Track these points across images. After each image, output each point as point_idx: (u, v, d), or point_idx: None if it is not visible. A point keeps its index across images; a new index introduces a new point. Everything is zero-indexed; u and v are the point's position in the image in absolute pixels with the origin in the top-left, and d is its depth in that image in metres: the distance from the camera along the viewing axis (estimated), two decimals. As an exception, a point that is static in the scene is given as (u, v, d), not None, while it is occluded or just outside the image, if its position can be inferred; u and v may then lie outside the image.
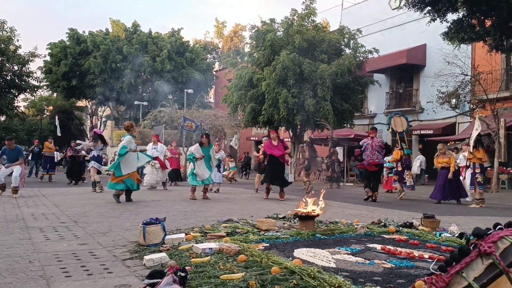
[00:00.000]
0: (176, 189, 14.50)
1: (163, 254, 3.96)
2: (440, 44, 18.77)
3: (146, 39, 37.86)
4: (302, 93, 20.72)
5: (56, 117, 29.07)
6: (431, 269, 1.98)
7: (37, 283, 3.28)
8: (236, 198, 11.32)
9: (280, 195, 11.23)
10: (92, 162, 12.86)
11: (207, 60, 44.14)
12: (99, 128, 44.39)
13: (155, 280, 2.77)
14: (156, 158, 13.76)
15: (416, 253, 4.35)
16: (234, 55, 46.04)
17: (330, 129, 18.52)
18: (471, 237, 2.04)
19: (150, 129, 31.55)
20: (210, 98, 46.57)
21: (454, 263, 1.90)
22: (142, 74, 38.25)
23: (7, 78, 32.59)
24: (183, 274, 3.05)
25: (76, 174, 16.35)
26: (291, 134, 24.17)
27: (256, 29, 23.43)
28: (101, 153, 13.27)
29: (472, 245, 1.95)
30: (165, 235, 4.73)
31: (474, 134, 10.91)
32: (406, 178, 13.45)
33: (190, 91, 32.76)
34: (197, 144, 11.01)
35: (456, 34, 15.33)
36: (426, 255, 4.29)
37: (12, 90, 33.09)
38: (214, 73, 43.30)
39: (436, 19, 15.63)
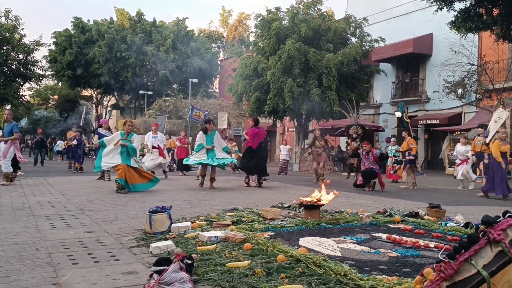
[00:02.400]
0: (183, 178, 14.54)
1: (170, 242, 3.98)
2: (446, 33, 18.62)
3: (150, 28, 37.73)
4: (307, 83, 20.64)
5: (84, 107, 29.42)
6: (439, 257, 1.98)
7: (44, 270, 3.30)
8: (241, 188, 11.35)
9: (259, 182, 11.41)
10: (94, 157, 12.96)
11: (212, 49, 43.95)
12: (104, 117, 44.53)
13: (162, 268, 2.78)
14: (157, 147, 13.91)
15: (421, 242, 4.35)
16: (239, 45, 45.83)
17: (354, 117, 18.36)
18: (480, 225, 2.03)
19: (155, 119, 31.60)
20: (215, 87, 46.50)
21: (463, 250, 1.89)
22: (147, 63, 38.17)
23: (12, 67, 32.59)
24: (189, 262, 3.06)
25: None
26: (296, 123, 24.12)
27: (261, 18, 23.29)
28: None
29: (481, 233, 1.94)
30: (171, 223, 4.75)
31: (495, 126, 10.50)
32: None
33: (194, 80, 32.71)
34: (201, 132, 11.01)
35: (463, 23, 15.19)
36: (431, 245, 4.28)
37: (17, 79, 33.12)
38: (219, 62, 43.16)
39: (443, 8, 15.49)
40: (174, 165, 18.63)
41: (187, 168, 17.12)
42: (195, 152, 11.03)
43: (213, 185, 10.87)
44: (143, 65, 38.02)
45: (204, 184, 10.96)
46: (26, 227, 5.02)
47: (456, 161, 13.78)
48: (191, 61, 37.06)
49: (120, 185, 9.14)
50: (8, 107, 38.24)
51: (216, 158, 10.82)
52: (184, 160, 11.17)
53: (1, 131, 12.75)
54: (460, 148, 13.20)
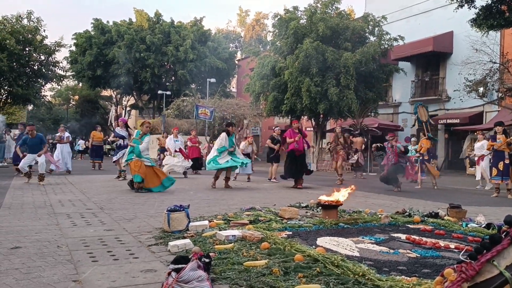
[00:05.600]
0: (198, 177, 14.62)
1: (187, 241, 4.01)
2: (467, 31, 18.30)
3: (169, 28, 38.03)
4: (325, 82, 20.53)
5: (113, 109, 29.85)
6: (460, 257, 1.94)
7: (65, 267, 3.36)
8: (258, 187, 11.35)
9: (298, 183, 11.28)
10: (119, 153, 13.09)
11: (229, 49, 44.08)
12: (124, 117, 45.09)
13: (180, 266, 2.80)
14: (179, 150, 14.09)
15: (442, 243, 4.28)
16: (256, 44, 45.86)
17: (356, 119, 18.17)
18: (502, 226, 1.99)
19: (173, 119, 31.86)
20: (233, 87, 46.61)
21: (484, 251, 1.86)
22: (165, 63, 38.47)
23: (34, 67, 33.25)
24: (207, 260, 3.07)
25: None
26: (313, 123, 24.01)
27: (279, 17, 23.26)
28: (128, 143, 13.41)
29: (504, 233, 1.90)
30: (189, 222, 4.78)
31: None
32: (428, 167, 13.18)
33: (212, 80, 32.85)
34: (225, 134, 10.97)
35: (484, 20, 14.89)
36: (452, 245, 4.22)
37: (39, 80, 33.76)
38: (236, 62, 43.25)
39: (463, 5, 15.21)
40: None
41: (201, 166, 17.10)
42: (217, 153, 10.88)
43: (228, 184, 10.89)
44: (162, 66, 38.34)
45: (216, 185, 10.89)
46: (47, 225, 5.11)
47: (475, 159, 13.64)
48: (209, 61, 37.24)
49: (139, 184, 9.21)
50: (30, 107, 39.03)
51: (238, 159, 10.99)
52: (208, 167, 11.09)
53: (67, 133, 15.30)
54: (477, 144, 13.23)
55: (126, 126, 13.65)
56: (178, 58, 36.51)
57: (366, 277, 2.93)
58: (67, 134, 15.96)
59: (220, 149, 10.81)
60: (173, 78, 39.19)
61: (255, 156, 14.29)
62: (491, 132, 17.06)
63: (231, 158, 10.81)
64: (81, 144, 32.84)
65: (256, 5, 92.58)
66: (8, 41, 29.47)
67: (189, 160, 14.84)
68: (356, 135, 17.40)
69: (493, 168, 10.79)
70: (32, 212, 6.10)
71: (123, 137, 13.13)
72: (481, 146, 13.02)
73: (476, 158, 13.37)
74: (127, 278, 3.12)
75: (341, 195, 5.69)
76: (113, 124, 44.09)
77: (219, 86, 35.42)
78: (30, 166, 11.13)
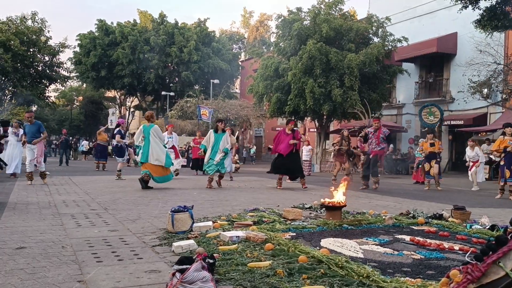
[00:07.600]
0: (201, 178, 14.60)
1: (192, 241, 4.00)
2: (471, 32, 18.27)
3: (173, 30, 38.12)
4: (328, 83, 20.52)
5: (112, 109, 29.97)
6: (466, 258, 1.94)
7: (70, 267, 3.36)
8: (262, 188, 11.34)
9: (302, 182, 11.21)
10: (114, 155, 13.21)
11: (233, 50, 44.16)
12: (127, 118, 45.18)
13: (184, 266, 2.80)
14: (172, 147, 14.11)
15: (446, 244, 4.27)
16: (260, 45, 45.89)
17: (365, 118, 18.15)
18: (508, 227, 1.98)
19: (176, 119, 31.92)
20: (236, 88, 46.66)
21: (490, 252, 1.85)
22: (169, 64, 38.55)
23: (39, 68, 33.39)
24: (211, 261, 3.07)
25: None
26: (317, 124, 24.01)
27: (282, 18, 23.28)
28: (122, 144, 13.43)
29: (510, 234, 1.90)
30: (193, 222, 4.77)
31: None
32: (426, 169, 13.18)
33: (216, 81, 32.89)
34: (211, 131, 11.04)
35: (489, 21, 14.87)
36: (456, 247, 4.20)
37: (43, 80, 33.90)
38: (240, 63, 43.30)
39: (468, 6, 15.19)
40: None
41: (201, 167, 17.08)
42: (202, 150, 11.08)
43: (215, 183, 10.93)
44: (166, 67, 38.42)
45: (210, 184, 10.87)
46: (52, 225, 5.12)
47: (469, 163, 13.68)
48: (213, 62, 37.31)
49: (147, 175, 9.75)
50: (34, 108, 39.18)
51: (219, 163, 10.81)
52: (206, 167, 11.04)
53: (22, 131, 12.37)
54: (469, 153, 13.27)
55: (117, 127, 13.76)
56: (182, 59, 36.59)
57: (371, 279, 2.92)
58: (21, 131, 12.62)
59: (202, 146, 11.06)
60: (176, 79, 39.29)
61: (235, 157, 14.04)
62: (497, 134, 17.03)
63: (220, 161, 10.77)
64: (85, 145, 32.95)
65: (260, 6, 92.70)
66: (12, 42, 29.63)
67: (177, 158, 14.83)
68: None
69: (506, 169, 10.58)
70: (36, 212, 6.11)
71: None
72: (474, 155, 13.12)
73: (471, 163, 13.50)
74: (131, 278, 3.13)
75: (340, 194, 5.66)
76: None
77: (222, 87, 35.48)
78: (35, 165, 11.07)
